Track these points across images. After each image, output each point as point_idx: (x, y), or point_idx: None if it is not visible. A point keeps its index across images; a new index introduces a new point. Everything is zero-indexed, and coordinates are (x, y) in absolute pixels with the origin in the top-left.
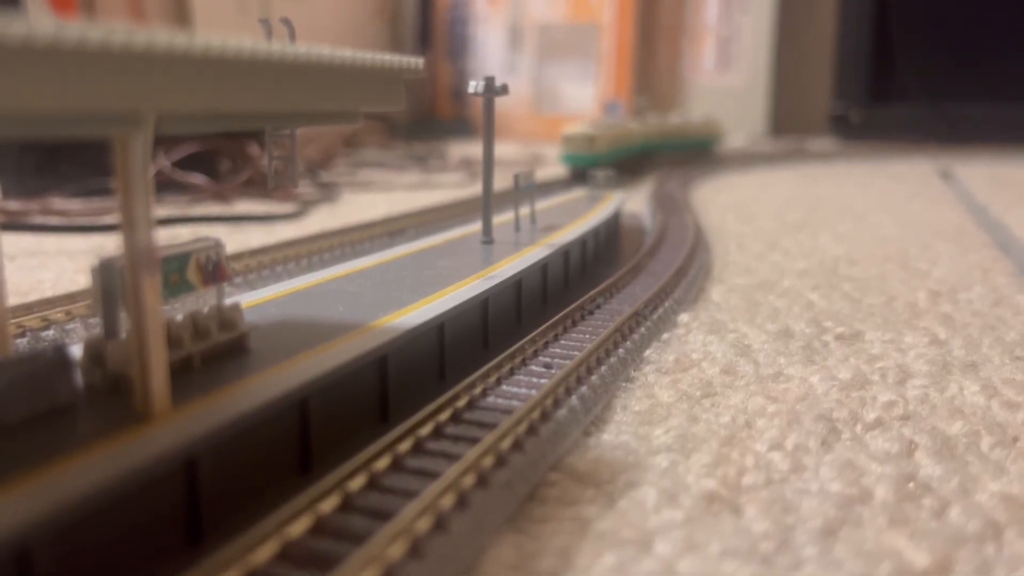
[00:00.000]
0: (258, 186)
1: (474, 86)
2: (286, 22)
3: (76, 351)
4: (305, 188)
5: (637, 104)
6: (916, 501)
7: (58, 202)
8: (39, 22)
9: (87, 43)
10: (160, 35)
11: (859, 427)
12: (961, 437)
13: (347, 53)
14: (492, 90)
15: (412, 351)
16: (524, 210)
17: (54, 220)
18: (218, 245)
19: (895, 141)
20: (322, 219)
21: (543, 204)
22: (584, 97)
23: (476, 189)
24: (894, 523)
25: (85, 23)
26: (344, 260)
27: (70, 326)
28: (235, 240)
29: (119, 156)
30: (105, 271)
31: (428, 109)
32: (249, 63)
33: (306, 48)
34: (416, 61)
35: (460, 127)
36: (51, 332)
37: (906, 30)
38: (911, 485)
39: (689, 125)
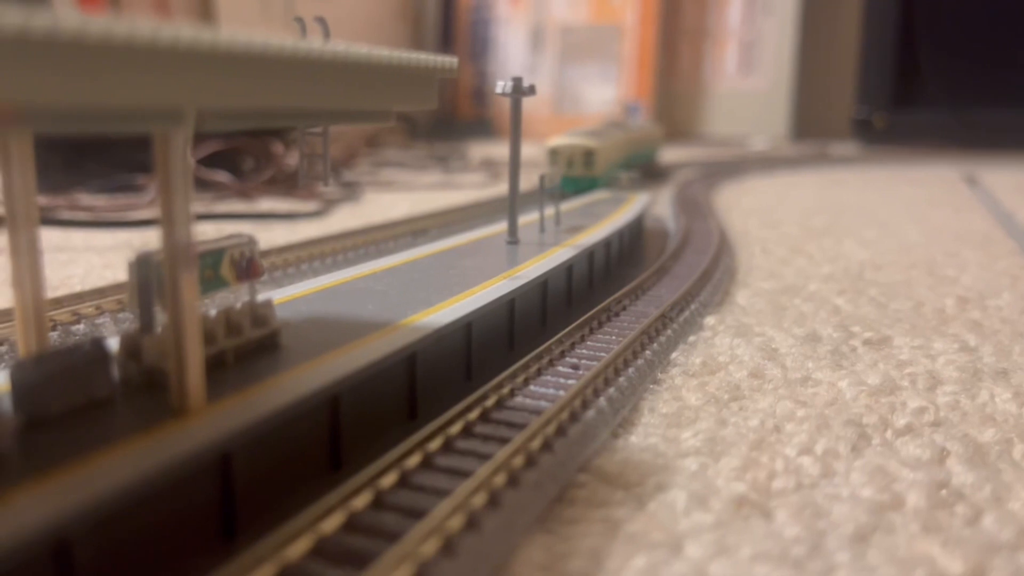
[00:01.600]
0: (281, 184)
1: (502, 86)
2: (321, 21)
3: (113, 345)
4: (328, 187)
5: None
6: (949, 508)
7: (84, 198)
8: (89, 18)
9: (135, 39)
10: (204, 32)
11: (889, 433)
12: (993, 444)
13: (384, 52)
14: (520, 91)
15: (440, 350)
16: (548, 211)
17: (81, 215)
18: (251, 242)
19: (919, 146)
20: (344, 218)
21: (567, 205)
22: (605, 99)
23: (497, 190)
24: (927, 530)
25: (133, 20)
26: (368, 259)
27: (100, 320)
28: (259, 238)
29: (159, 152)
30: (142, 266)
31: (449, 110)
32: (289, 61)
33: (345, 46)
34: (450, 61)
35: (481, 128)
36: (81, 326)
37: (931, 35)
38: (943, 492)
39: (645, 131)
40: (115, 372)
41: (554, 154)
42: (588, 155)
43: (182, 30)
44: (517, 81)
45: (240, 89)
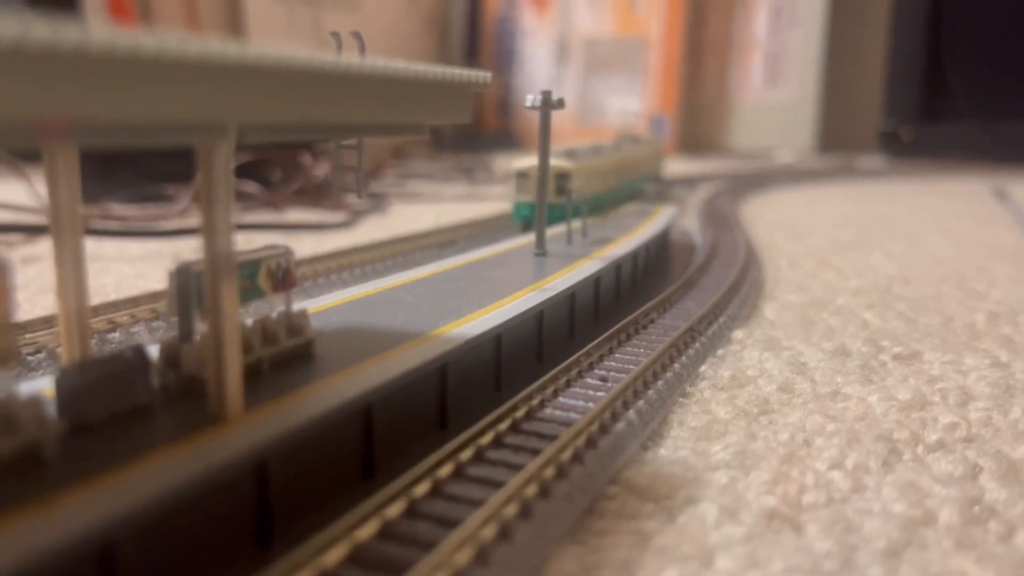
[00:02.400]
0: (309, 195)
1: (531, 100)
2: (356, 36)
3: (152, 353)
4: (361, 198)
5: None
6: (982, 525)
7: (116, 208)
8: (140, 35)
9: (184, 55)
10: (249, 48)
11: (920, 448)
12: None
13: (421, 67)
14: (549, 104)
15: (470, 361)
16: (575, 223)
17: (113, 225)
18: (287, 252)
19: (947, 159)
20: (372, 229)
21: (594, 217)
22: (630, 111)
23: None
24: (960, 546)
25: (182, 36)
26: (396, 270)
27: (134, 328)
28: None
29: (202, 164)
30: (182, 275)
31: (474, 122)
32: (330, 76)
33: (383, 62)
34: (484, 76)
35: (505, 140)
36: (116, 335)
37: (959, 47)
38: (976, 509)
39: (643, 150)
40: (155, 379)
41: (522, 178)
42: (562, 179)
43: (228, 46)
44: (546, 94)
45: (282, 103)
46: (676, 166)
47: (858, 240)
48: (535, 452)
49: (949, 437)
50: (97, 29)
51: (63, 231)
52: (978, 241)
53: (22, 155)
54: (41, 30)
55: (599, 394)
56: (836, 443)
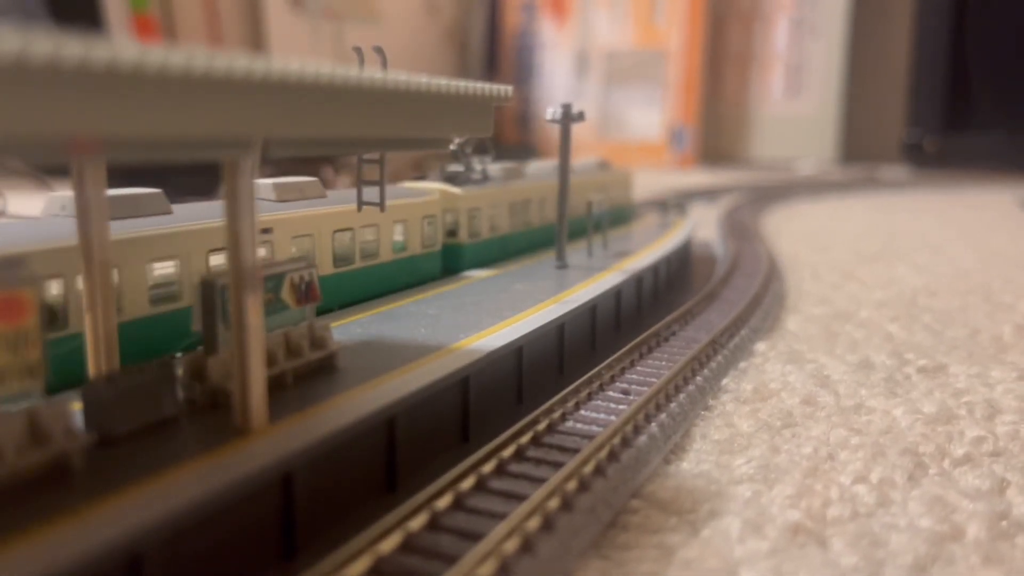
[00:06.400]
0: None
1: (552, 113)
2: (379, 51)
3: (178, 365)
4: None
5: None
6: (1010, 540)
7: None
8: (170, 52)
9: (213, 73)
10: (275, 64)
11: (947, 462)
12: None
13: (443, 82)
14: (569, 117)
15: (492, 373)
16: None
17: None
18: (310, 265)
19: (972, 170)
20: None
21: (614, 230)
22: (650, 123)
23: None
24: (988, 561)
25: (207, 52)
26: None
27: None
28: None
29: (227, 178)
30: (207, 289)
31: (494, 135)
32: (355, 91)
33: (406, 77)
34: (505, 89)
35: (524, 153)
36: None
37: (984, 56)
38: (1004, 523)
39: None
40: (180, 392)
41: None
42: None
43: (255, 63)
44: (567, 108)
45: (307, 118)
46: (696, 178)
47: (882, 252)
48: (557, 465)
49: (976, 451)
50: (127, 47)
51: (91, 244)
52: (1004, 252)
53: (47, 169)
54: (73, 48)
55: (621, 407)
56: (861, 457)
